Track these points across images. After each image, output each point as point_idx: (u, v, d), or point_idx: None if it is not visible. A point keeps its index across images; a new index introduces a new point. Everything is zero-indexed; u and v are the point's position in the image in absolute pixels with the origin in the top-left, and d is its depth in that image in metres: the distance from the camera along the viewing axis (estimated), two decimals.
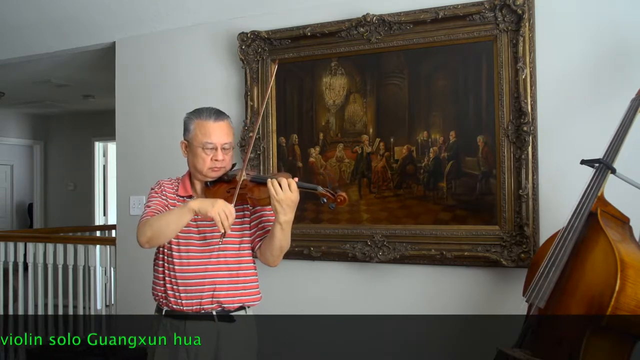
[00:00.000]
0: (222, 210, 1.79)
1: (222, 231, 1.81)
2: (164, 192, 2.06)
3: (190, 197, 2.06)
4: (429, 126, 2.77)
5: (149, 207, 2.01)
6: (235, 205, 1.92)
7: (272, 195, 1.82)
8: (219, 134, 1.98)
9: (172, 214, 1.90)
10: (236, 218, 2.02)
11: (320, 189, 1.86)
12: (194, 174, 2.05)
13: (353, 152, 2.94)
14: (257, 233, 2.06)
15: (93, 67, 4.58)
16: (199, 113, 2.02)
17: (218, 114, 2.01)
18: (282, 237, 1.92)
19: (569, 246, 1.94)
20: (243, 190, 1.93)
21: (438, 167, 2.75)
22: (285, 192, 1.80)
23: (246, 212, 2.08)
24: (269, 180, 1.84)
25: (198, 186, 2.07)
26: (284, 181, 1.81)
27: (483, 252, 2.63)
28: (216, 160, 1.98)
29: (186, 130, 2.04)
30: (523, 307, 2.06)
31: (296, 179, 1.86)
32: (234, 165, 2.09)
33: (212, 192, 2.02)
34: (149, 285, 2.16)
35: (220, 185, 2.02)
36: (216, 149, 1.97)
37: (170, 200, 2.06)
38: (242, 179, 1.94)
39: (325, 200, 1.84)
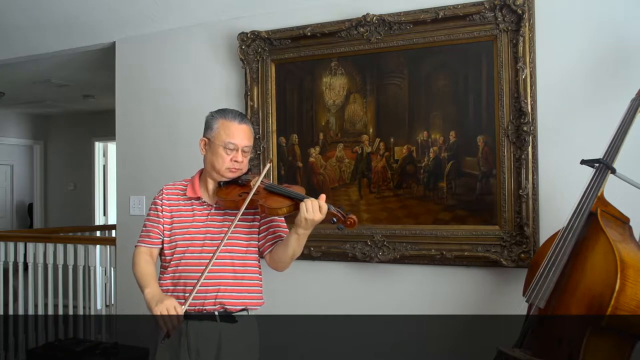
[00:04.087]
0: (166, 309, 1.81)
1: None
2: (164, 204, 2.09)
3: (198, 198, 2.08)
4: (429, 126, 2.77)
5: (144, 227, 2.10)
6: (245, 209, 1.96)
7: (302, 211, 1.85)
8: (242, 136, 2.02)
9: (140, 280, 1.99)
10: (246, 221, 2.05)
11: (332, 208, 1.88)
12: (210, 172, 2.07)
13: (353, 152, 2.94)
14: (268, 238, 2.08)
15: (93, 67, 4.58)
16: (225, 113, 2.05)
17: (242, 117, 2.06)
18: (296, 246, 1.95)
19: (569, 246, 1.94)
20: (256, 197, 1.95)
21: (438, 167, 2.75)
22: (315, 214, 1.85)
23: (256, 217, 2.09)
24: (304, 201, 1.86)
25: (210, 186, 2.09)
26: (315, 203, 1.85)
27: (483, 252, 2.63)
28: (235, 161, 2.01)
29: (209, 128, 2.06)
30: (523, 307, 2.06)
31: (323, 196, 1.88)
32: (248, 170, 2.11)
33: (224, 192, 2.03)
34: None
35: (233, 188, 2.04)
36: (237, 150, 2.01)
37: (175, 208, 2.09)
38: (257, 185, 1.96)
39: (335, 220, 1.86)
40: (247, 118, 2.11)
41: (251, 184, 2.00)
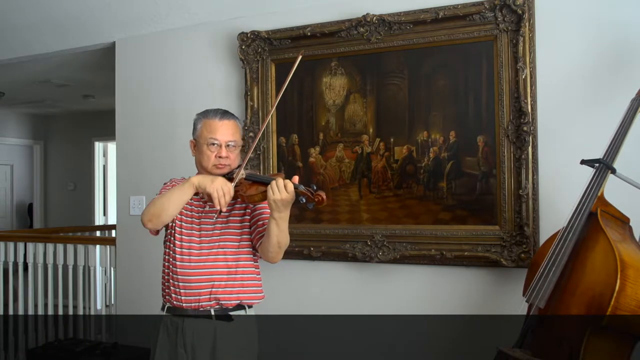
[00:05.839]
0: (221, 188, 1.89)
1: (218, 208, 1.87)
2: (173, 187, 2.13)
3: (195, 194, 2.10)
4: (429, 126, 2.77)
5: (157, 194, 2.12)
6: (235, 203, 2.00)
7: (269, 194, 1.86)
8: (223, 132, 2.05)
9: (175, 190, 2.01)
10: (237, 216, 2.10)
11: (301, 187, 1.85)
12: (200, 171, 2.12)
13: (353, 152, 2.94)
14: (257, 230, 2.09)
15: (93, 67, 4.58)
16: (206, 112, 2.11)
17: (224, 114, 2.10)
18: (278, 233, 1.93)
19: (569, 246, 1.94)
20: (238, 188, 1.98)
21: (438, 167, 2.75)
22: (281, 194, 1.84)
23: (247, 211, 2.12)
24: (270, 183, 1.87)
25: None
26: (280, 182, 1.84)
27: (483, 252, 2.63)
28: (220, 157, 2.03)
29: (194, 129, 2.12)
30: (523, 307, 2.07)
31: (296, 178, 1.88)
32: (239, 165, 2.11)
33: None
34: (149, 285, 2.18)
35: None
36: (220, 146, 2.04)
37: None
38: (239, 177, 1.99)
39: (304, 200, 1.83)
40: (232, 114, 2.12)
41: (234, 176, 2.01)
